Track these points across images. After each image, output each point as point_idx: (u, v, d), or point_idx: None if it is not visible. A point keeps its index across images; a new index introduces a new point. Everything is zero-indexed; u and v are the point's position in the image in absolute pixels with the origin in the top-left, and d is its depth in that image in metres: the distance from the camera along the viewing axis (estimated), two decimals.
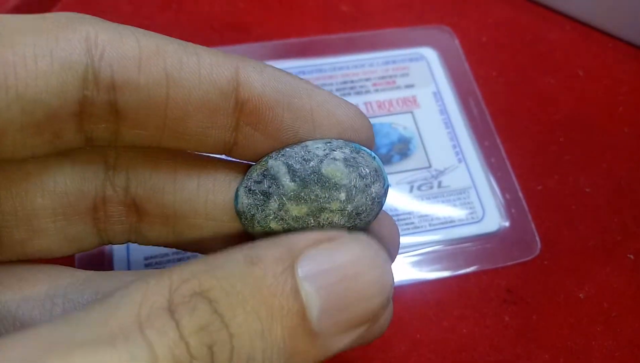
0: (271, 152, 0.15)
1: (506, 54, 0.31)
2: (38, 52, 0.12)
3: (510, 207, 0.26)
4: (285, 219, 0.14)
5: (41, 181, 0.15)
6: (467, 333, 0.23)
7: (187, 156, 0.16)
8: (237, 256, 0.12)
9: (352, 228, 0.15)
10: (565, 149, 0.28)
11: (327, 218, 0.14)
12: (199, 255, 0.17)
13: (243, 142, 0.15)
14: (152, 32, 0.14)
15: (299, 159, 0.14)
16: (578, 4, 0.31)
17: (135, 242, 0.17)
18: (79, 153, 0.15)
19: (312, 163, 0.14)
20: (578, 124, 0.28)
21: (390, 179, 0.26)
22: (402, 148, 0.27)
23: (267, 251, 0.12)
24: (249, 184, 0.15)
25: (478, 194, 0.26)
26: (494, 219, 0.25)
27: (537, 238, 0.25)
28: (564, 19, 0.32)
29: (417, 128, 0.28)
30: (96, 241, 0.16)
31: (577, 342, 0.23)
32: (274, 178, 0.14)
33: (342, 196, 0.14)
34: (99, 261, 0.23)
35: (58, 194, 0.15)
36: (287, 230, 0.14)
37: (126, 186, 0.16)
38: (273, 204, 0.14)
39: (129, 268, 0.23)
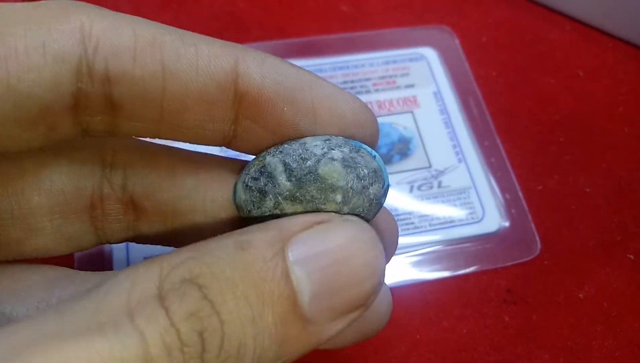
0: (270, 147, 0.15)
1: (506, 54, 0.31)
2: (30, 44, 0.12)
3: (510, 207, 0.25)
4: (280, 216, 0.14)
5: (38, 179, 0.15)
6: (467, 333, 0.23)
7: (184, 153, 0.16)
8: (227, 241, 0.12)
9: None
10: (565, 149, 0.28)
11: None
12: None
13: (243, 135, 0.14)
14: (149, 21, 0.13)
15: (296, 157, 0.14)
16: (578, 4, 0.31)
17: (133, 240, 0.16)
18: (76, 151, 0.15)
19: (309, 163, 0.14)
20: (578, 124, 0.28)
21: (390, 179, 0.26)
22: (402, 148, 0.27)
23: (257, 235, 0.12)
24: (246, 179, 0.14)
25: (478, 194, 0.26)
26: (493, 220, 0.25)
27: (537, 238, 0.25)
28: (564, 19, 0.32)
29: (417, 128, 0.28)
30: (94, 239, 0.16)
31: (577, 342, 0.23)
32: (271, 176, 0.14)
33: (339, 197, 0.14)
34: (99, 262, 0.23)
35: (55, 193, 0.15)
36: None
37: (123, 184, 0.15)
38: (269, 203, 0.14)
39: None
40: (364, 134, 0.15)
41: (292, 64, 0.14)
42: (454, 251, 0.24)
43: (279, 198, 0.14)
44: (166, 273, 0.11)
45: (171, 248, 0.17)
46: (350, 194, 0.14)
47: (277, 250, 0.12)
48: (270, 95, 0.14)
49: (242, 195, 0.14)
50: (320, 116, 0.14)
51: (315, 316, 0.12)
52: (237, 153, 0.15)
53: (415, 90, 0.29)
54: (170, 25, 0.14)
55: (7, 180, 0.14)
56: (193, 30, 0.14)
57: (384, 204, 0.15)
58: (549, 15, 0.32)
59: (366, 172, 0.14)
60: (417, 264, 0.24)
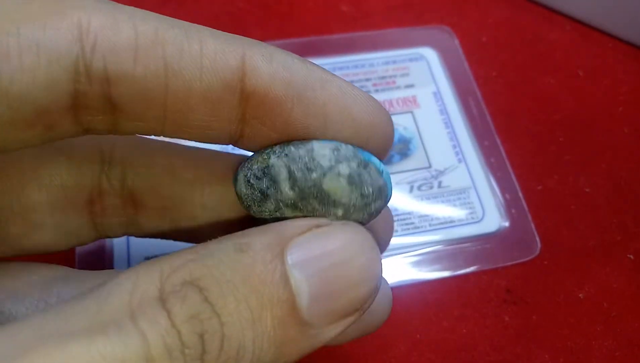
0: (276, 144, 0.14)
1: (506, 54, 0.31)
2: (23, 44, 0.11)
3: (510, 207, 0.25)
4: (280, 219, 0.14)
5: (37, 175, 0.15)
6: (467, 333, 0.23)
7: (183, 148, 0.16)
8: (227, 244, 0.12)
9: None
10: (565, 149, 0.28)
11: None
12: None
13: (250, 135, 0.14)
14: (152, 14, 0.13)
15: (302, 166, 0.13)
16: (578, 4, 0.31)
17: (132, 234, 0.16)
18: (75, 147, 0.15)
19: (314, 175, 0.13)
20: (578, 124, 0.28)
21: (391, 179, 0.26)
22: (402, 148, 0.27)
23: (256, 238, 0.12)
24: (248, 175, 0.14)
25: (478, 195, 0.26)
26: (493, 220, 0.25)
27: (537, 238, 0.25)
28: (564, 19, 0.32)
29: (417, 128, 0.28)
30: (93, 234, 0.16)
31: (577, 342, 0.23)
32: (274, 181, 0.14)
33: (340, 212, 0.14)
34: (99, 259, 0.23)
35: (54, 188, 0.15)
36: None
37: (122, 179, 0.15)
38: (270, 205, 0.14)
39: (129, 266, 0.23)
40: (377, 136, 0.14)
41: (301, 59, 0.13)
42: (454, 251, 0.24)
43: (280, 204, 0.14)
44: (167, 275, 0.11)
45: (171, 243, 0.17)
46: (351, 211, 0.14)
47: (276, 253, 0.12)
48: (278, 95, 0.13)
49: (243, 188, 0.14)
50: (332, 118, 0.14)
51: (314, 319, 0.12)
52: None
53: (415, 90, 0.29)
54: None
55: (6, 176, 0.14)
56: None
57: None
58: (549, 15, 0.32)
59: (371, 191, 0.14)
60: (417, 264, 0.24)
